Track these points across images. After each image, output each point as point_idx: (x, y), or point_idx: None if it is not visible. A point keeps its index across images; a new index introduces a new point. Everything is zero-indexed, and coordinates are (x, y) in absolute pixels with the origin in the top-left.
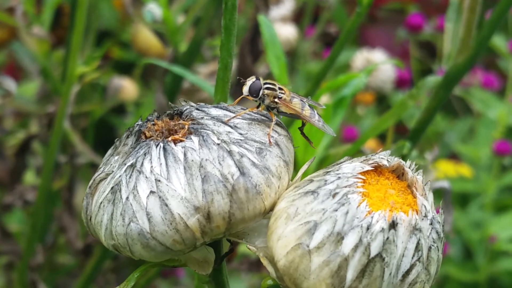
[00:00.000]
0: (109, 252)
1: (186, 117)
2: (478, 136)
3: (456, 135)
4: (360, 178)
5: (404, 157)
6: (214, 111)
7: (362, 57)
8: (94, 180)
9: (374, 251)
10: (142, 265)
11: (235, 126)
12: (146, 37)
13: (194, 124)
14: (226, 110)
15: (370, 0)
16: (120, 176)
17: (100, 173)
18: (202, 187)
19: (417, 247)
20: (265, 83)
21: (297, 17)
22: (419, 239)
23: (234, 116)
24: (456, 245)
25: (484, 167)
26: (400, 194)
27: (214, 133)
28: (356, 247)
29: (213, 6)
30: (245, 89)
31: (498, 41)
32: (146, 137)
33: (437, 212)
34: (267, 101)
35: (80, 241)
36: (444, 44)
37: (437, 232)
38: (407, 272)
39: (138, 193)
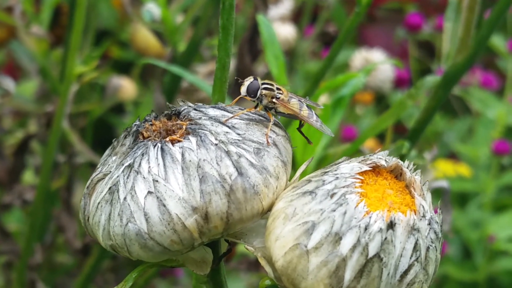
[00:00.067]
0: (107, 251)
1: (184, 117)
2: (477, 136)
3: (455, 134)
4: (358, 178)
5: (403, 157)
6: (212, 111)
7: (361, 57)
8: (92, 180)
9: (372, 251)
10: (140, 265)
11: (233, 126)
12: (145, 37)
13: (192, 124)
14: (224, 110)
15: (369, 0)
16: (117, 176)
17: (98, 173)
18: (200, 188)
19: (415, 247)
20: (263, 83)
21: (296, 17)
22: (417, 239)
23: (232, 116)
24: (455, 245)
25: (483, 166)
26: (398, 194)
27: (212, 133)
28: (354, 248)
29: (212, 5)
30: (243, 89)
31: (497, 41)
32: (144, 138)
33: (435, 212)
34: (265, 101)
35: (78, 240)
36: (443, 44)
37: (435, 232)
38: (405, 272)
39: (135, 194)
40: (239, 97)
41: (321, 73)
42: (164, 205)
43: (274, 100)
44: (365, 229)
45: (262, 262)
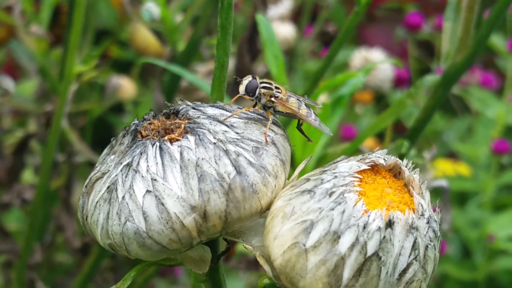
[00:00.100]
0: (107, 251)
1: (183, 116)
2: (476, 135)
3: (454, 134)
4: (357, 177)
5: (402, 156)
6: (211, 110)
7: (360, 56)
8: (90, 179)
9: (370, 250)
10: (138, 264)
11: (231, 125)
12: (144, 36)
13: (190, 123)
14: (223, 109)
15: None
16: (116, 175)
17: (96, 172)
18: (199, 186)
19: (414, 246)
20: (261, 82)
21: (296, 16)
22: (416, 238)
23: (231, 115)
24: (455, 244)
25: (483, 166)
26: (396, 193)
27: (210, 132)
28: (352, 246)
29: (211, 5)
30: (242, 88)
31: (497, 40)
32: (142, 136)
33: (434, 210)
34: (263, 100)
35: (78, 240)
36: (442, 43)
37: (434, 231)
38: (404, 271)
39: (134, 192)
40: (237, 96)
41: (321, 72)
42: (163, 204)
43: (272, 99)
44: (364, 227)
45: (261, 260)
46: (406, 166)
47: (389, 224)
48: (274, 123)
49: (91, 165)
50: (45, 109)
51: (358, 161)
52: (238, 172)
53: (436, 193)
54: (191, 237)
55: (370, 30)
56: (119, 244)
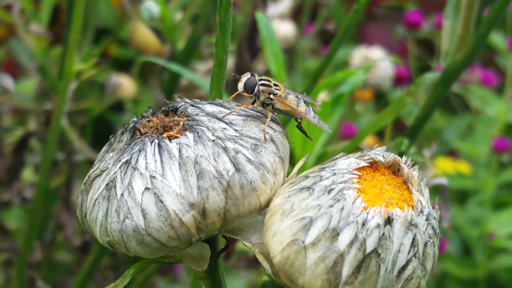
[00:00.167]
0: (107, 249)
1: (181, 113)
2: (476, 133)
3: (454, 132)
4: (356, 174)
5: (402, 154)
6: (209, 108)
7: (360, 54)
8: (89, 176)
9: (369, 247)
10: (137, 262)
11: (230, 122)
12: (144, 35)
13: (189, 120)
14: (221, 106)
15: None
16: (115, 172)
17: (95, 170)
18: (197, 184)
19: (413, 243)
20: (260, 79)
21: (295, 15)
22: (415, 235)
23: (229, 113)
24: (455, 242)
25: (483, 164)
26: (395, 190)
27: (209, 129)
28: (351, 243)
29: (211, 3)
30: (240, 85)
31: (497, 38)
32: (141, 134)
33: (433, 208)
34: (262, 98)
35: (78, 238)
36: (442, 41)
37: (433, 228)
38: (403, 268)
39: (133, 190)
40: (236, 93)
41: (320, 70)
42: (162, 201)
43: (271, 96)
44: (363, 224)
45: (260, 258)
46: (405, 163)
47: (388, 221)
48: (273, 120)
49: (91, 163)
50: (45, 107)
51: (357, 158)
52: (237, 169)
53: (436, 191)
54: (190, 235)
55: (370, 29)
56: (118, 241)
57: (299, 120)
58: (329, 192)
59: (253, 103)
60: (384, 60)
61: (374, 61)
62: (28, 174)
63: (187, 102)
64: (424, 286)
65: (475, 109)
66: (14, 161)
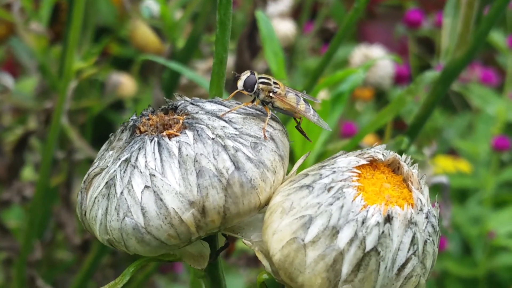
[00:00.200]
0: (107, 248)
1: (181, 111)
2: (476, 132)
3: (454, 130)
4: (355, 172)
5: (402, 153)
6: (209, 106)
7: (360, 53)
8: (88, 175)
9: (369, 245)
10: (137, 260)
11: (230, 120)
12: (144, 33)
13: (188, 118)
14: (221, 104)
15: None
16: (114, 171)
17: (95, 168)
18: (197, 182)
19: (413, 241)
20: (259, 78)
21: (296, 13)
22: (415, 233)
23: (229, 111)
24: (455, 241)
25: (483, 162)
26: (395, 188)
27: (208, 127)
28: (351, 241)
29: (211, 1)
30: (240, 84)
31: (497, 37)
32: (141, 132)
33: (433, 206)
34: (262, 96)
35: (78, 237)
36: (442, 40)
37: (432, 226)
38: (403, 266)
39: (132, 188)
40: (236, 91)
41: (320, 69)
42: (161, 199)
43: (271, 94)
44: (363, 222)
45: (260, 256)
46: (405, 161)
47: (388, 219)
48: (272, 118)
49: (91, 162)
50: (45, 106)
51: (356, 156)
52: (237, 167)
53: (436, 189)
54: (190, 233)
55: (370, 27)
56: (118, 239)
57: (298, 120)
58: (329, 190)
59: (252, 101)
60: (384, 59)
61: (374, 60)
62: (28, 173)
63: (186, 100)
64: (423, 284)
65: (475, 108)
66: (14, 160)
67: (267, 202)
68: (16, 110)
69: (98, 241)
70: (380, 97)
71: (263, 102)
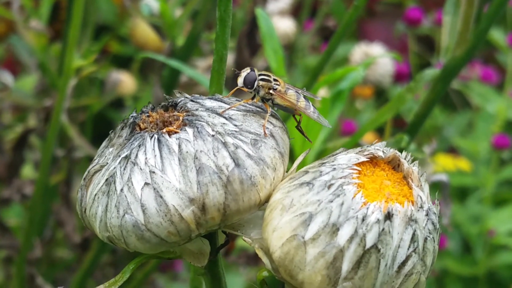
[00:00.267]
0: (107, 246)
1: (181, 108)
2: (477, 130)
3: (454, 129)
4: (356, 169)
5: (402, 151)
6: (209, 103)
7: (360, 51)
8: (88, 172)
9: (369, 242)
10: (137, 257)
11: (230, 117)
12: (144, 31)
13: (188, 115)
14: (221, 101)
15: None
16: (114, 168)
17: (95, 165)
18: (197, 179)
19: (413, 238)
20: (260, 74)
21: (295, 11)
22: (415, 230)
23: (229, 108)
24: (455, 239)
25: (483, 161)
26: (395, 185)
27: (208, 124)
28: (351, 238)
29: None
30: (240, 80)
31: (497, 35)
32: (141, 129)
33: (433, 204)
34: (262, 93)
35: (78, 235)
36: (442, 38)
37: (433, 223)
38: (403, 263)
39: (132, 185)
40: (236, 88)
41: (320, 67)
42: (161, 196)
43: (271, 91)
44: (363, 220)
45: (260, 253)
46: (405, 159)
47: (388, 216)
48: (272, 115)
49: (90, 160)
50: (44, 104)
51: (357, 153)
52: (237, 164)
53: (436, 188)
54: (190, 230)
55: (370, 25)
56: (118, 236)
57: (297, 118)
58: (329, 187)
59: (252, 98)
60: (384, 57)
61: (374, 58)
62: (28, 171)
63: (186, 97)
64: (424, 281)
65: (475, 106)
66: (14, 157)
67: (267, 199)
68: (16, 108)
69: (98, 239)
70: (380, 95)
71: (263, 99)
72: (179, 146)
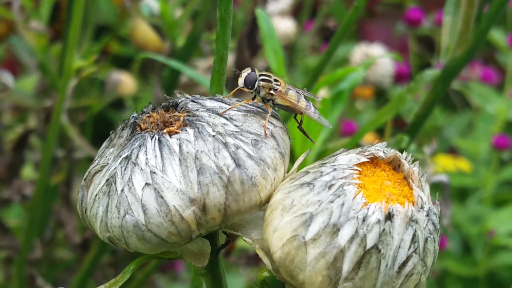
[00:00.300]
0: (107, 246)
1: (182, 109)
2: (477, 131)
3: (455, 129)
4: (356, 170)
5: (402, 151)
6: (210, 103)
7: (361, 52)
8: (89, 172)
9: (370, 242)
10: (138, 258)
11: (230, 118)
12: (144, 32)
13: (189, 116)
14: (222, 102)
15: None
16: (115, 168)
17: (95, 165)
18: (198, 179)
19: (414, 239)
20: (260, 75)
21: (296, 11)
22: (416, 231)
23: (230, 108)
24: (455, 240)
25: (483, 161)
26: (396, 185)
27: (209, 125)
28: (352, 239)
29: (211, 0)
30: (241, 81)
31: (497, 35)
32: (141, 129)
33: (433, 204)
34: (262, 93)
35: (78, 235)
36: (442, 38)
37: (433, 224)
38: (404, 264)
39: (133, 185)
40: (236, 88)
41: (320, 67)
42: (162, 197)
43: (271, 91)
44: (363, 220)
45: (260, 253)
46: (405, 159)
47: (389, 216)
48: (273, 116)
49: (91, 160)
50: (45, 104)
51: (357, 153)
52: (237, 165)
53: (436, 188)
54: (190, 230)
55: (370, 26)
56: (118, 237)
57: (299, 119)
58: (330, 187)
59: (253, 99)
60: (384, 57)
61: (374, 58)
62: (28, 172)
63: (187, 98)
64: (424, 282)
65: (475, 107)
66: (14, 158)
67: (267, 200)
68: (16, 109)
69: (98, 239)
70: (380, 95)
71: (264, 99)
72: (180, 146)
